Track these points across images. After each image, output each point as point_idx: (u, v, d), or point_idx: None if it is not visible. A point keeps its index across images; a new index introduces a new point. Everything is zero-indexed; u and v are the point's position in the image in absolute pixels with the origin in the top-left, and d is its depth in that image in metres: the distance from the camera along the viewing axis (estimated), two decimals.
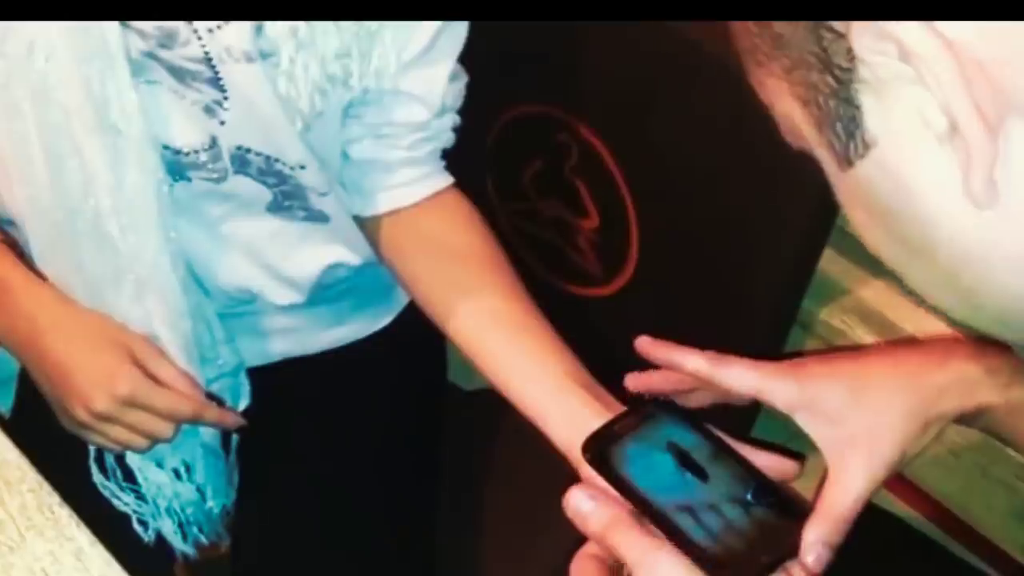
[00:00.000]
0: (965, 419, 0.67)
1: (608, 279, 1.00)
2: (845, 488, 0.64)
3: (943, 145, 0.36)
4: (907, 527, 1.04)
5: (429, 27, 0.79)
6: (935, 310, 0.45)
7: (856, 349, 0.71)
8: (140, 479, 0.94)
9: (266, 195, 0.86)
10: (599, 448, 0.66)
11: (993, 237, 0.38)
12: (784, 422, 1.23)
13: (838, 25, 0.37)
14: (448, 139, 0.88)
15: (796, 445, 1.19)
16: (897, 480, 1.20)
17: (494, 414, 0.87)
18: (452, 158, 0.90)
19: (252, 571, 0.97)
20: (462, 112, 0.87)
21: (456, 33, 0.81)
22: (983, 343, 0.66)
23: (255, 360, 0.99)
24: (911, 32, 0.35)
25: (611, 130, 0.93)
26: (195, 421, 0.88)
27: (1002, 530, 1.11)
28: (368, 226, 0.91)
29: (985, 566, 1.11)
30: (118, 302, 0.84)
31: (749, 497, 0.61)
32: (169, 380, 0.85)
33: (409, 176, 0.87)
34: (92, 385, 0.82)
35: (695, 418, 0.66)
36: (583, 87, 0.93)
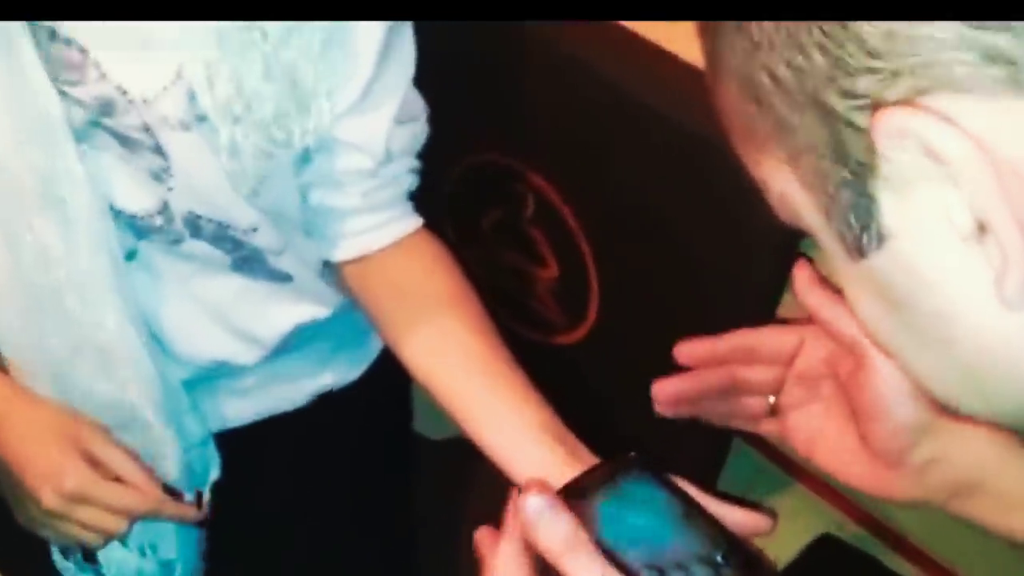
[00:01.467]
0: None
1: (571, 327, 1.00)
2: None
3: (967, 244, 0.36)
4: (842, 541, 1.05)
5: (362, 77, 0.77)
6: (941, 399, 0.44)
7: None
8: (100, 557, 0.91)
9: (225, 259, 0.85)
10: (568, 502, 0.65)
11: (1021, 338, 0.37)
12: (752, 465, 1.24)
13: (859, 119, 0.36)
14: (409, 182, 0.86)
15: (762, 485, 1.20)
16: (832, 493, 1.21)
17: (463, 462, 0.86)
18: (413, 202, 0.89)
19: None
20: (421, 156, 0.86)
21: (394, 81, 0.80)
22: None
23: (224, 424, 0.97)
24: (941, 133, 0.34)
25: (565, 181, 0.93)
26: (151, 517, 0.87)
27: (935, 540, 1.12)
28: (338, 271, 0.90)
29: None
30: (83, 374, 0.82)
31: (719, 559, 0.60)
32: (124, 473, 0.84)
33: (371, 222, 0.86)
34: (41, 481, 0.81)
35: (666, 475, 0.66)
36: (534, 138, 0.94)
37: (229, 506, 0.95)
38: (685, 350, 0.68)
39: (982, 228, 0.35)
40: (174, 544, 0.93)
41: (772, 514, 0.70)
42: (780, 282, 0.86)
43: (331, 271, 0.91)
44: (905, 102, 0.35)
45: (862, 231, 0.38)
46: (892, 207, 0.37)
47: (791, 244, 0.83)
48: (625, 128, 0.86)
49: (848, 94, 0.36)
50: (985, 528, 0.62)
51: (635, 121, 0.85)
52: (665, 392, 0.68)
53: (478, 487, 0.82)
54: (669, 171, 0.85)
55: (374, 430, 1.05)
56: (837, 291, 0.63)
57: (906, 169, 0.36)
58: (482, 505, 0.85)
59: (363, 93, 0.77)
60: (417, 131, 0.84)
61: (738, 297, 0.86)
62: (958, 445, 0.61)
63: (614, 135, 0.88)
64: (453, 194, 1.03)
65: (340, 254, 0.87)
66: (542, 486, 0.58)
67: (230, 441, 0.96)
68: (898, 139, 0.35)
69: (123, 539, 0.89)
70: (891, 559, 1.15)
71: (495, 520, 0.74)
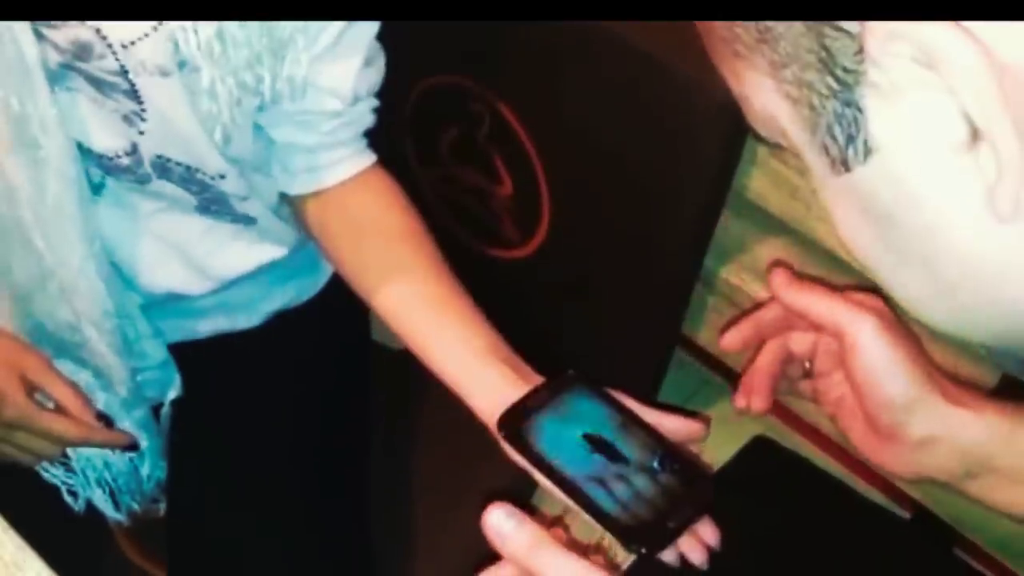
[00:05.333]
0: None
1: (523, 242, 1.03)
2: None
3: (958, 155, 0.34)
4: (776, 443, 1.09)
5: (339, 23, 0.78)
6: (914, 316, 0.43)
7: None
8: (70, 451, 0.95)
9: (191, 199, 0.87)
10: (514, 423, 0.69)
11: (1010, 252, 0.36)
12: (693, 375, 1.28)
13: (848, 23, 0.34)
14: (369, 121, 0.88)
15: (702, 394, 1.24)
16: (801, 423, 1.25)
17: (423, 370, 0.90)
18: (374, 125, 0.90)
19: (188, 534, 0.99)
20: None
21: (367, 27, 0.81)
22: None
23: (184, 337, 1.00)
24: (941, 35, 0.32)
25: (520, 100, 0.95)
26: (83, 444, 0.91)
27: None
28: (294, 205, 0.92)
29: (886, 500, 1.17)
30: (44, 302, 0.85)
31: (656, 465, 0.64)
32: (61, 400, 0.87)
33: (331, 158, 0.88)
34: None
35: (604, 389, 0.69)
36: (492, 59, 0.95)
37: (190, 417, 0.99)
38: (729, 338, 0.69)
39: (974, 138, 0.33)
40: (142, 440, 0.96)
41: (707, 420, 0.74)
42: (719, 203, 0.89)
43: (287, 206, 0.93)
44: None
45: (848, 143, 0.37)
46: (880, 117, 0.36)
47: (733, 166, 0.87)
48: (578, 47, 0.88)
49: None
50: (992, 507, 0.62)
51: (587, 41, 0.86)
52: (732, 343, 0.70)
53: (437, 395, 0.85)
54: (619, 90, 0.87)
55: (333, 342, 1.08)
56: (811, 281, 0.65)
57: (896, 76, 0.34)
58: (439, 411, 0.89)
59: (338, 38, 0.79)
60: (379, 71, 0.86)
61: (680, 219, 0.89)
62: (959, 426, 0.61)
63: (567, 54, 0.89)
64: (413, 115, 1.05)
65: (298, 188, 0.89)
66: (502, 504, 0.59)
67: (190, 354, 0.99)
68: (891, 41, 0.33)
69: (55, 461, 0.94)
70: (824, 461, 1.20)
71: (452, 427, 0.78)
